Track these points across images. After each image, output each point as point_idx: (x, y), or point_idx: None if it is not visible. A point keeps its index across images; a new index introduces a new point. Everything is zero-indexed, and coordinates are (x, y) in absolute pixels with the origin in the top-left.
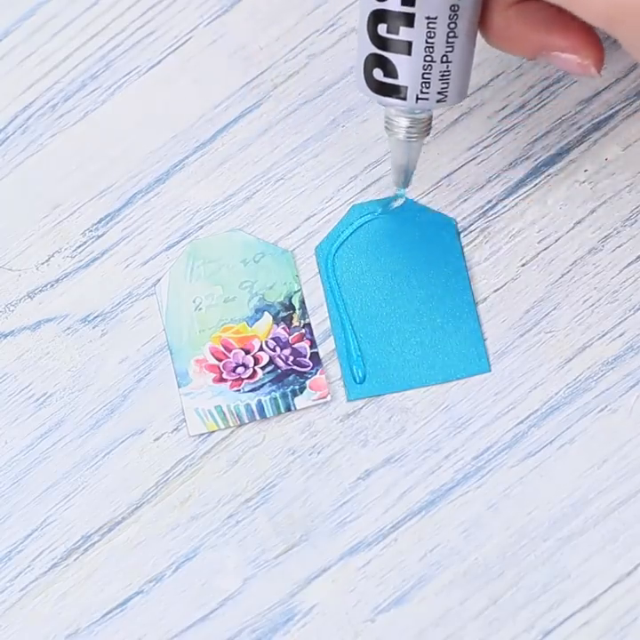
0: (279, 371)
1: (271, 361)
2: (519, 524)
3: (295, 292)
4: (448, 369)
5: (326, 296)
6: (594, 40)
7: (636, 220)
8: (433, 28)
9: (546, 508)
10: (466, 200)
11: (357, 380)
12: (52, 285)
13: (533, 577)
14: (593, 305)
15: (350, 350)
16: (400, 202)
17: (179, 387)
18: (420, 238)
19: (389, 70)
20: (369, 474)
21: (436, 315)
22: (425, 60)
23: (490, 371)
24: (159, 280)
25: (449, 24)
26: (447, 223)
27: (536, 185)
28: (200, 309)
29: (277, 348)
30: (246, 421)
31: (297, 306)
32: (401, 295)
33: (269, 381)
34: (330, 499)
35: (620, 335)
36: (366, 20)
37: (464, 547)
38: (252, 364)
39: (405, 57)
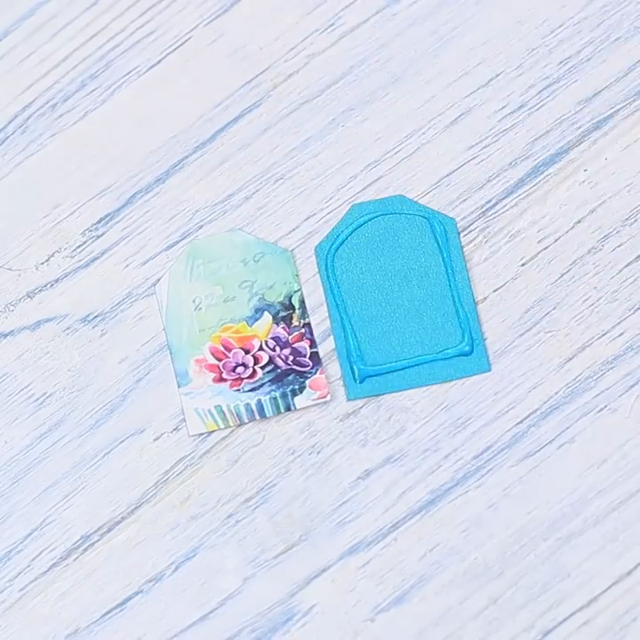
0: (279, 370)
1: (271, 361)
2: (519, 524)
3: (295, 292)
4: (448, 369)
5: (326, 296)
6: None
7: (635, 220)
8: None
9: (546, 508)
10: (466, 200)
11: (357, 380)
12: (52, 285)
13: (533, 577)
14: (593, 305)
15: (350, 350)
16: None
17: (179, 386)
18: (420, 238)
19: None
20: (368, 473)
21: (437, 314)
22: None
23: (490, 370)
24: (159, 280)
25: None
26: (447, 223)
27: (536, 185)
28: (200, 309)
29: (277, 348)
30: (246, 421)
31: (297, 305)
32: (401, 295)
33: (269, 381)
34: (329, 498)
35: (620, 335)
36: None
37: (464, 546)
38: (251, 364)
39: None
